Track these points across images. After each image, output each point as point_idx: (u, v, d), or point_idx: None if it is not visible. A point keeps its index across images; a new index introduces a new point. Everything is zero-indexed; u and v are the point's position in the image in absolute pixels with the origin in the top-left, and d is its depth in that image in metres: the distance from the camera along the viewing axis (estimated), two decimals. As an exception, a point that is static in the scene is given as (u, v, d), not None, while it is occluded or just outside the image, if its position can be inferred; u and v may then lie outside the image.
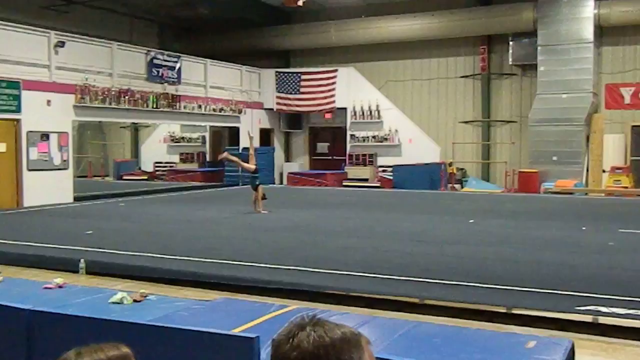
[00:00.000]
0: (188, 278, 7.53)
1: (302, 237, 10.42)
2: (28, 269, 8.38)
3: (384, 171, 22.21)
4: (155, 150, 26.75)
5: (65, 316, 3.82)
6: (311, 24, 23.68)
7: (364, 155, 22.61)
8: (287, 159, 25.38)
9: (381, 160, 22.52)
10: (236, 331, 4.00)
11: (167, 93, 19.31)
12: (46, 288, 5.73)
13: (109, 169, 27.30)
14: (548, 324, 5.72)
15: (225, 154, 14.81)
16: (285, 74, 23.71)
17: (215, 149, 25.69)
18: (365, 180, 22.16)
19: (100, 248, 9.07)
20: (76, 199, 16.35)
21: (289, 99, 23.59)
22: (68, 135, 16.24)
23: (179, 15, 24.31)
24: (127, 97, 17.75)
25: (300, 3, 19.95)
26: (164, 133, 26.38)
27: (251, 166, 13.80)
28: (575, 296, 6.20)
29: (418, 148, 21.91)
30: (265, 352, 3.35)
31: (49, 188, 15.40)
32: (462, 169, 21.99)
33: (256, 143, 23.25)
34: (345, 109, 23.03)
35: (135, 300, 5.24)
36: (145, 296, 5.41)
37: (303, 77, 23.35)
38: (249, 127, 23.03)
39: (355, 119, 22.90)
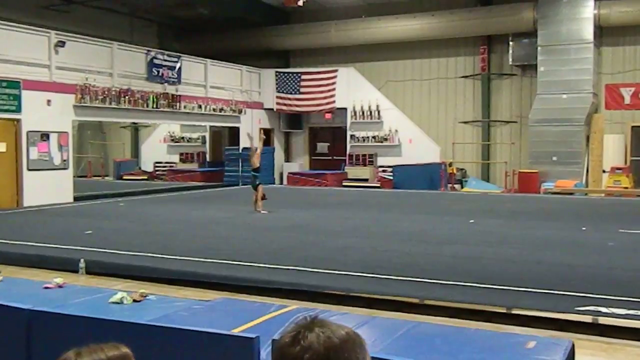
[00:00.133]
0: (188, 278, 7.53)
1: (302, 237, 10.42)
2: (28, 268, 8.38)
3: (383, 171, 22.21)
4: (155, 150, 26.76)
5: (65, 316, 3.82)
6: (311, 24, 23.68)
7: (364, 155, 22.62)
8: (287, 159, 25.38)
9: (381, 161, 22.53)
10: (236, 331, 4.00)
11: (167, 93, 19.32)
12: (46, 288, 5.73)
13: (109, 168, 27.30)
14: (547, 324, 5.72)
15: (255, 145, 14.79)
16: (285, 74, 23.72)
17: (215, 149, 25.72)
18: (365, 180, 22.16)
19: (100, 248, 9.07)
20: (76, 198, 16.35)
21: (289, 99, 23.59)
22: (68, 135, 16.24)
23: (179, 15, 24.31)
24: (127, 97, 17.75)
25: (300, 3, 19.94)
26: (164, 133, 26.39)
27: (255, 162, 13.88)
28: (575, 296, 6.20)
29: (418, 148, 21.91)
30: (265, 352, 3.36)
31: (49, 188, 15.41)
32: (462, 169, 21.99)
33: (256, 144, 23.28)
34: (345, 109, 23.03)
35: (135, 300, 5.24)
36: (145, 296, 5.41)
37: (303, 77, 23.36)
38: (249, 127, 23.02)
39: (355, 119, 22.90)
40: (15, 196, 14.92)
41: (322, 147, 25.07)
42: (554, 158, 19.37)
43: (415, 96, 23.29)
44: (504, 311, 6.03)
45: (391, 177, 21.40)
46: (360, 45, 23.26)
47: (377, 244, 9.66)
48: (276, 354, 1.43)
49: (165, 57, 19.61)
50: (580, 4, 19.35)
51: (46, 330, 3.73)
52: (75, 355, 1.56)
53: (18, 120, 14.90)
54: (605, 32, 20.14)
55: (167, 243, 9.62)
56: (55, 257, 8.62)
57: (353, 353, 1.40)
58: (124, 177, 25.19)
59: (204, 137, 25.96)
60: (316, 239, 10.16)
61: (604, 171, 19.20)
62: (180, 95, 19.78)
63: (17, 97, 14.84)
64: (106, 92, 17.12)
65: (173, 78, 19.70)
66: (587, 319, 5.69)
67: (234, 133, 23.52)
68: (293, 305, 5.48)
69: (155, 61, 19.12)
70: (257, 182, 13.79)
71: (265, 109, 24.09)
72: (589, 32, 19.34)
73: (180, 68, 20.00)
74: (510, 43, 21.27)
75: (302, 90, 23.35)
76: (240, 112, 22.30)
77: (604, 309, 5.76)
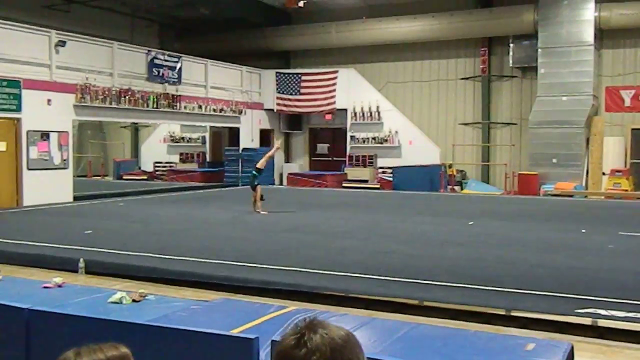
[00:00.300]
0: (187, 278, 7.53)
1: (301, 238, 10.42)
2: (27, 268, 8.38)
3: (383, 172, 22.21)
4: (155, 150, 26.76)
5: (64, 316, 3.82)
6: (312, 24, 23.70)
7: (364, 156, 22.62)
8: (287, 159, 25.38)
9: (381, 162, 22.53)
10: (235, 332, 4.00)
11: (168, 93, 19.32)
12: (45, 287, 5.73)
13: (108, 168, 27.30)
14: (547, 326, 5.72)
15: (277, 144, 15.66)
16: (286, 75, 23.72)
17: (215, 150, 25.72)
18: (365, 181, 22.15)
19: (99, 248, 9.07)
20: (76, 198, 16.35)
21: (289, 99, 23.60)
22: (68, 134, 16.24)
23: (180, 15, 24.33)
24: (127, 96, 17.76)
25: (300, 4, 19.99)
26: (164, 133, 26.40)
27: (262, 163, 14.11)
28: (575, 299, 6.20)
29: (418, 150, 21.92)
30: (264, 353, 3.35)
31: (48, 187, 15.40)
32: (461, 170, 21.99)
33: (256, 144, 23.32)
34: (345, 110, 23.04)
35: (134, 300, 5.24)
36: (144, 296, 5.41)
37: (303, 78, 23.36)
38: (249, 128, 23.09)
39: (356, 120, 22.91)
40: (15, 195, 14.92)
41: (322, 148, 25.08)
42: (554, 160, 19.37)
43: (416, 97, 23.30)
44: (503, 313, 6.03)
45: (391, 179, 21.40)
46: (360, 46, 23.28)
47: (376, 245, 9.65)
48: (279, 356, 1.42)
49: (166, 57, 19.62)
50: (580, 6, 19.36)
51: (45, 329, 3.73)
52: (75, 355, 1.56)
53: (18, 120, 14.90)
54: (605, 35, 20.15)
55: (166, 243, 9.61)
56: (54, 256, 8.62)
57: (354, 353, 1.41)
58: (124, 177, 25.19)
59: (204, 137, 25.97)
60: (315, 240, 10.16)
61: (603, 173, 19.20)
62: (180, 96, 19.78)
63: (18, 97, 14.84)
64: (106, 92, 17.13)
65: (173, 78, 19.70)
66: (587, 321, 5.68)
67: (234, 133, 23.52)
68: (292, 306, 5.47)
69: (156, 61, 19.13)
70: (256, 183, 13.79)
71: (266, 110, 24.10)
72: (589, 35, 19.34)
73: (180, 68, 20.01)
74: (511, 45, 21.28)
75: (302, 91, 23.35)
76: (240, 112, 22.30)
77: (603, 312, 5.76)
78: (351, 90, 22.79)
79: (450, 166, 21.22)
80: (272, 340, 3.16)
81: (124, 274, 7.82)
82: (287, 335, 1.43)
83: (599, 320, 5.66)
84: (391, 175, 21.48)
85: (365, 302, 6.57)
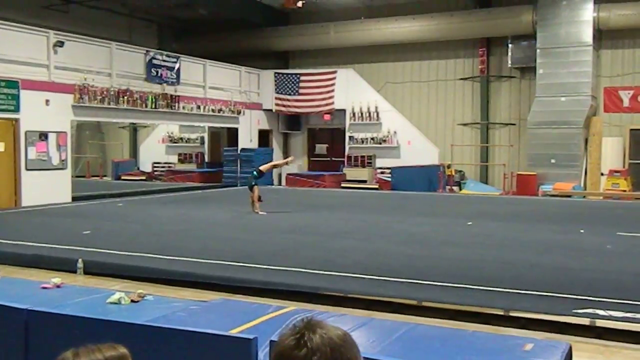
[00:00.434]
0: (186, 278, 7.53)
1: (300, 238, 10.42)
2: (26, 268, 8.38)
3: (382, 173, 22.22)
4: (154, 150, 26.74)
5: (63, 316, 3.82)
6: (310, 25, 23.70)
7: (363, 156, 22.62)
8: (286, 160, 25.36)
9: (380, 162, 22.53)
10: (234, 332, 4.00)
11: (166, 93, 19.31)
12: (44, 288, 5.72)
13: (107, 169, 27.27)
14: (545, 326, 5.72)
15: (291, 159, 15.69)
16: (284, 75, 23.72)
17: (213, 150, 25.70)
18: (364, 181, 22.16)
19: (98, 248, 9.06)
20: (74, 198, 16.33)
21: (288, 100, 23.60)
22: (66, 135, 16.23)
23: (178, 15, 24.32)
24: (125, 97, 17.74)
25: (299, 4, 19.98)
26: (162, 133, 26.37)
27: (265, 168, 14.42)
28: (573, 299, 6.20)
29: (416, 150, 21.92)
30: (262, 353, 3.35)
31: (47, 188, 15.39)
32: (460, 171, 22.00)
33: (254, 144, 23.32)
34: (344, 110, 23.04)
35: (132, 301, 5.23)
36: (143, 296, 5.41)
37: (302, 78, 23.36)
38: (248, 128, 23.08)
39: (354, 120, 22.92)
40: (14, 196, 14.91)
41: (321, 148, 25.08)
42: (553, 160, 19.38)
43: (414, 98, 23.31)
44: (502, 313, 6.04)
45: (390, 179, 21.40)
46: (359, 46, 23.28)
47: (375, 245, 9.65)
48: (279, 357, 1.42)
49: (164, 58, 19.61)
50: (579, 7, 19.38)
51: (44, 330, 3.73)
52: (73, 356, 1.56)
53: (16, 120, 14.89)
54: (604, 35, 20.17)
55: (165, 243, 9.61)
56: (53, 257, 8.61)
57: (352, 352, 1.42)
58: (122, 178, 25.16)
59: (202, 137, 25.95)
60: (314, 240, 10.16)
61: (602, 174, 19.22)
62: (179, 96, 19.77)
63: (16, 97, 14.82)
64: (105, 92, 17.11)
65: (172, 78, 19.70)
66: (585, 321, 5.70)
67: (233, 134, 23.51)
68: (291, 306, 5.47)
69: (154, 61, 19.12)
70: (253, 183, 13.80)
71: (264, 110, 24.09)
72: (588, 35, 19.36)
73: (179, 68, 20.00)
74: (510, 45, 21.30)
75: (301, 91, 23.35)
76: (239, 112, 22.29)
77: (601, 312, 5.77)
78: (350, 91, 22.80)
79: (448, 166, 21.23)
80: (271, 341, 3.16)
81: (123, 275, 7.82)
82: (286, 335, 1.43)
83: (597, 320, 5.67)
84: (390, 175, 21.48)
85: (364, 302, 6.57)
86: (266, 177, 21.00)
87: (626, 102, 20.05)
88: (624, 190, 18.47)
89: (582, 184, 19.23)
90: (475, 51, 22.26)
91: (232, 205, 15.74)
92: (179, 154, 26.21)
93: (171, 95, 19.44)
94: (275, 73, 23.82)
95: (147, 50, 19.23)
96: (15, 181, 14.92)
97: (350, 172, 22.67)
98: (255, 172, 14.02)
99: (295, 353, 1.38)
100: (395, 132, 22.40)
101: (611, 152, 19.58)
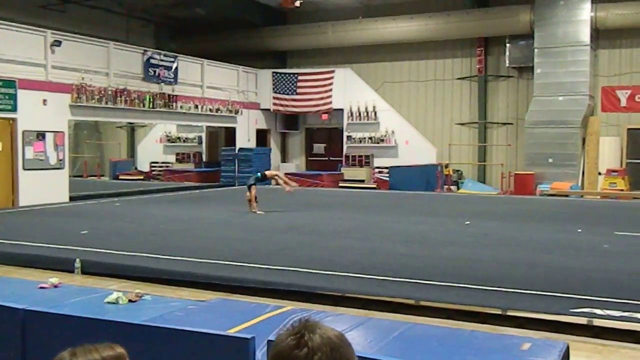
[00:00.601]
0: (183, 278, 7.52)
1: (298, 238, 10.42)
2: (23, 268, 8.36)
3: (380, 172, 22.22)
4: (152, 150, 26.72)
5: (60, 316, 3.81)
6: (308, 24, 23.70)
7: (360, 156, 22.63)
8: (284, 159, 25.38)
9: (377, 162, 22.54)
10: (232, 332, 4.00)
11: (164, 93, 19.30)
12: (41, 287, 5.72)
13: (104, 168, 27.27)
14: (543, 325, 5.73)
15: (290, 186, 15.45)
16: (282, 75, 23.72)
17: (211, 150, 25.70)
18: (362, 181, 22.17)
19: (95, 248, 9.05)
20: (72, 198, 16.32)
21: (286, 99, 23.60)
22: (64, 134, 16.21)
23: (176, 15, 24.29)
24: (123, 96, 17.72)
25: (297, 4, 19.97)
26: (160, 133, 26.35)
27: (268, 174, 14.97)
28: (570, 298, 6.21)
29: (414, 149, 21.94)
30: (260, 353, 3.35)
31: (44, 187, 15.37)
32: (458, 170, 22.02)
33: (252, 144, 23.32)
34: (341, 110, 23.05)
35: (130, 300, 5.23)
36: (141, 296, 5.41)
37: (300, 77, 23.37)
38: (246, 128, 23.06)
39: (352, 120, 22.93)
40: (11, 196, 14.90)
41: (319, 147, 25.08)
42: (550, 160, 19.41)
43: (412, 97, 23.32)
44: (500, 313, 6.04)
45: (387, 178, 21.40)
46: (357, 46, 23.29)
47: (372, 245, 9.65)
48: (278, 357, 1.41)
49: (162, 57, 19.59)
50: (577, 6, 19.40)
51: (41, 330, 3.72)
52: (70, 356, 1.56)
53: (14, 120, 14.87)
54: (602, 35, 20.19)
55: (163, 243, 9.60)
56: (50, 256, 8.60)
57: (349, 352, 1.43)
58: (120, 177, 25.14)
59: (200, 137, 25.94)
60: (312, 240, 10.16)
61: (599, 173, 19.25)
62: (176, 96, 19.75)
63: (13, 97, 14.80)
64: (102, 92, 17.09)
65: (169, 78, 19.68)
66: (582, 320, 5.70)
67: (231, 133, 23.51)
68: (289, 305, 5.47)
69: (152, 61, 19.11)
70: (252, 183, 13.80)
71: (262, 110, 24.09)
72: (585, 35, 19.38)
73: (176, 68, 19.99)
74: (507, 45, 21.32)
75: (298, 90, 23.36)
76: (236, 112, 22.29)
77: (599, 311, 5.78)
78: (347, 90, 22.81)
79: (446, 166, 21.24)
80: (269, 340, 3.16)
81: (120, 274, 7.81)
82: (285, 335, 1.43)
83: (594, 319, 5.68)
84: (387, 175, 21.48)
85: (361, 301, 6.57)
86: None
87: (624, 102, 20.07)
88: (622, 190, 18.50)
89: (579, 184, 19.26)
90: (473, 51, 22.28)
91: (229, 204, 15.74)
92: (177, 154, 26.20)
93: (169, 95, 19.42)
94: (273, 72, 23.82)
95: (144, 50, 19.22)
96: (12, 181, 14.91)
97: (348, 172, 22.68)
98: (259, 174, 14.22)
99: (295, 353, 1.38)
100: (393, 132, 22.41)
101: (609, 151, 19.61)
